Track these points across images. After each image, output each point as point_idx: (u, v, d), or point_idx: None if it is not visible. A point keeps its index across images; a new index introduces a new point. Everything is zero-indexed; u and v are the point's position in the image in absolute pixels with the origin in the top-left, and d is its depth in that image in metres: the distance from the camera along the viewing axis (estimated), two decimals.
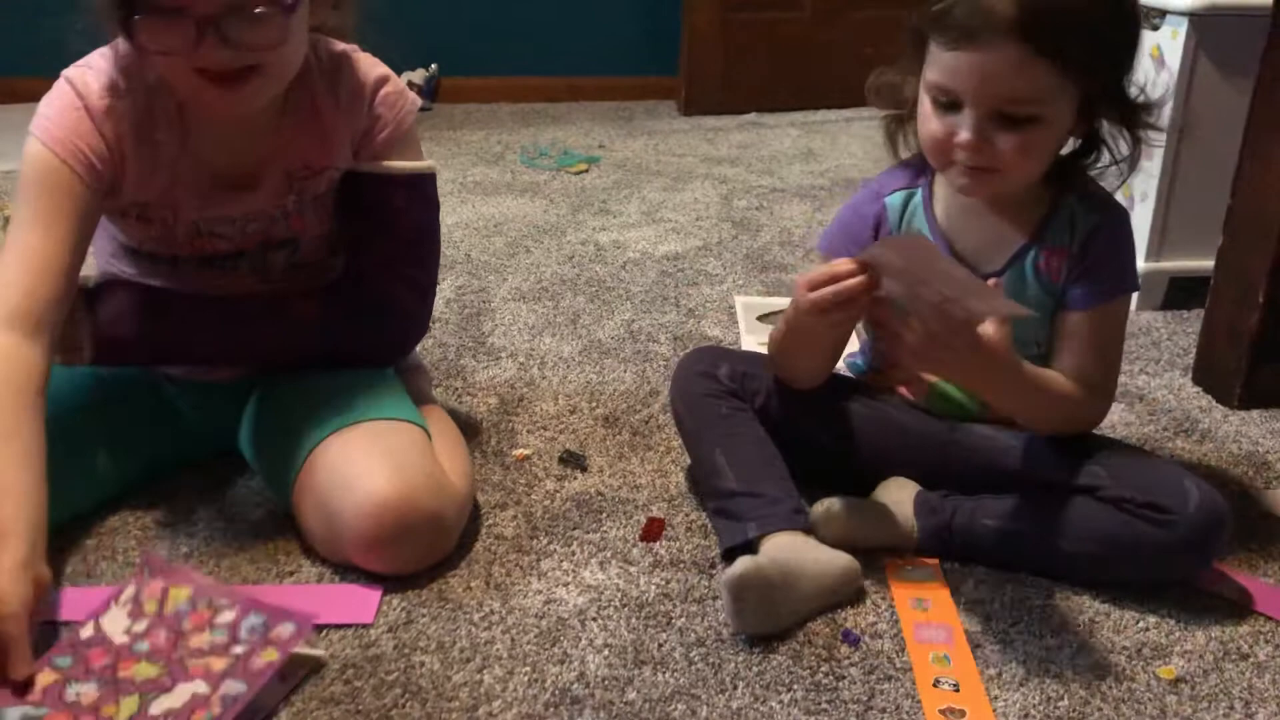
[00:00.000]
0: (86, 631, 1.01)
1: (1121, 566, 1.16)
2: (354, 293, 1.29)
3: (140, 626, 1.01)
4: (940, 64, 1.12)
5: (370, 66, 1.27)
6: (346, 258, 1.32)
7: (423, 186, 1.31)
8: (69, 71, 1.18)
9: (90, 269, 1.24)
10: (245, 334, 1.28)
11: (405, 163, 1.29)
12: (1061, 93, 1.11)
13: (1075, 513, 1.17)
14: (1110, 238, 1.21)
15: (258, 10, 1.07)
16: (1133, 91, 1.16)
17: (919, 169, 1.27)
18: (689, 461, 1.42)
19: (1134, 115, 1.17)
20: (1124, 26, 1.14)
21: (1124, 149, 1.19)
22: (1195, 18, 1.81)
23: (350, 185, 1.28)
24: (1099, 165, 1.21)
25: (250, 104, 1.15)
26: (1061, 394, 1.19)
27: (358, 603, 1.13)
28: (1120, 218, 1.23)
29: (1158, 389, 1.68)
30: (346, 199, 1.29)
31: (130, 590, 1.05)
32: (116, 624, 1.01)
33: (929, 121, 1.16)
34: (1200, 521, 1.12)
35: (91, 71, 1.17)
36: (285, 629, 1.01)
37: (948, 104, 1.13)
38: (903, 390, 1.32)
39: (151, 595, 1.04)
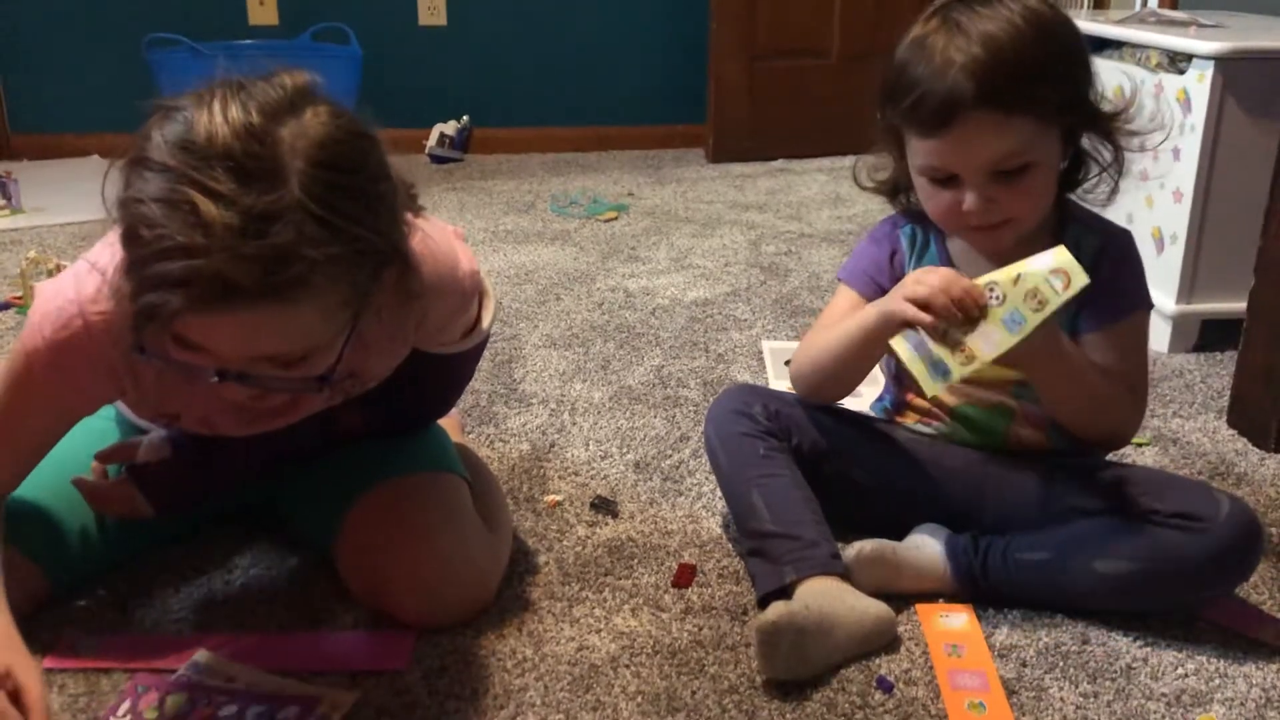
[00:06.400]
0: None
1: (1159, 584, 1.15)
2: (396, 401, 1.27)
3: None
4: (924, 150, 1.17)
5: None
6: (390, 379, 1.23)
7: (477, 347, 1.26)
8: (86, 300, 1.01)
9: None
10: (294, 454, 1.26)
11: (461, 343, 1.22)
12: (1044, 133, 1.15)
13: (1108, 532, 1.17)
14: (1117, 257, 1.24)
15: (297, 359, 0.94)
16: (1101, 103, 1.20)
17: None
18: (720, 507, 1.42)
19: (1108, 124, 1.21)
20: (1072, 51, 1.18)
21: (1107, 156, 1.23)
22: (1221, 61, 1.82)
23: None
24: (1090, 177, 1.24)
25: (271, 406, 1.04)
26: (1102, 382, 1.20)
27: (392, 649, 1.14)
28: (1124, 238, 1.26)
29: (1192, 432, 1.67)
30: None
31: (126, 704, 1.05)
32: None
33: (932, 199, 1.20)
34: (1233, 529, 1.12)
35: (113, 302, 0.96)
36: (289, 712, 1.03)
37: (944, 179, 1.17)
38: (926, 419, 1.33)
39: (149, 704, 1.05)
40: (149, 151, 0.85)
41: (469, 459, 1.39)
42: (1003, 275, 1.11)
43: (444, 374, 1.30)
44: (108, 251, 0.97)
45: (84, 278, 1.02)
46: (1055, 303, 1.08)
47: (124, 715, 1.04)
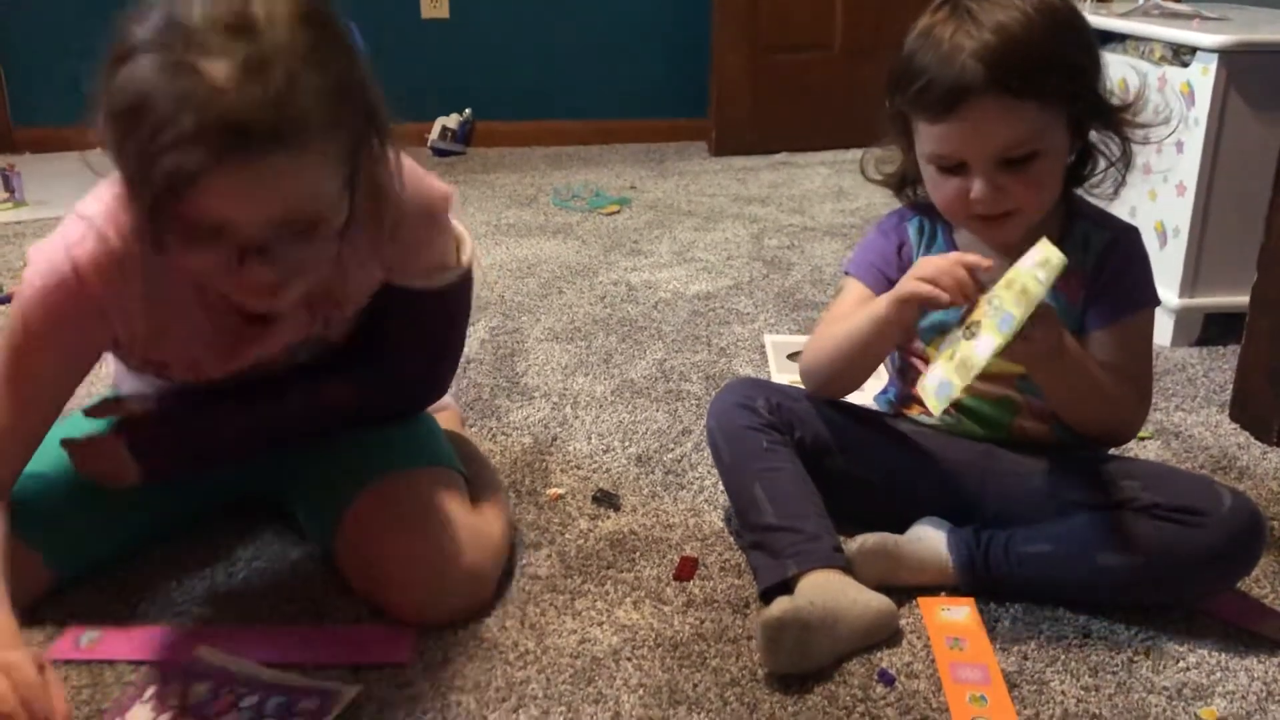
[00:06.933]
0: None
1: (1160, 578, 1.15)
2: (385, 369, 1.27)
3: (165, 717, 1.03)
4: (933, 136, 1.17)
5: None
6: (373, 332, 1.26)
7: (460, 287, 1.25)
8: (75, 246, 1.04)
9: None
10: (284, 429, 1.26)
11: (440, 277, 1.21)
12: (1051, 122, 1.15)
13: (1109, 526, 1.17)
14: (1124, 254, 1.24)
15: (312, 223, 0.97)
16: (1109, 97, 1.20)
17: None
18: (722, 500, 1.42)
19: (1116, 117, 1.21)
20: (1082, 43, 1.18)
21: (1115, 151, 1.23)
22: (1225, 54, 1.82)
23: (384, 292, 1.21)
24: (1098, 171, 1.24)
25: (287, 303, 1.05)
26: (1106, 379, 1.20)
27: (394, 642, 1.14)
28: (1132, 234, 1.26)
29: (1194, 426, 1.67)
30: (379, 300, 1.22)
31: (152, 689, 1.06)
32: (142, 718, 1.03)
33: (939, 188, 1.21)
34: (1235, 523, 1.12)
35: (98, 243, 1.04)
36: (310, 703, 1.03)
37: (952, 167, 1.18)
38: (930, 411, 1.33)
39: (173, 693, 1.06)
40: (133, 41, 0.90)
41: (468, 452, 1.39)
42: (999, 284, 1.12)
43: (426, 322, 1.26)
44: (94, 200, 1.06)
45: (69, 226, 1.06)
46: (1038, 292, 1.07)
47: (149, 700, 1.05)
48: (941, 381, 1.13)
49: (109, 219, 1.05)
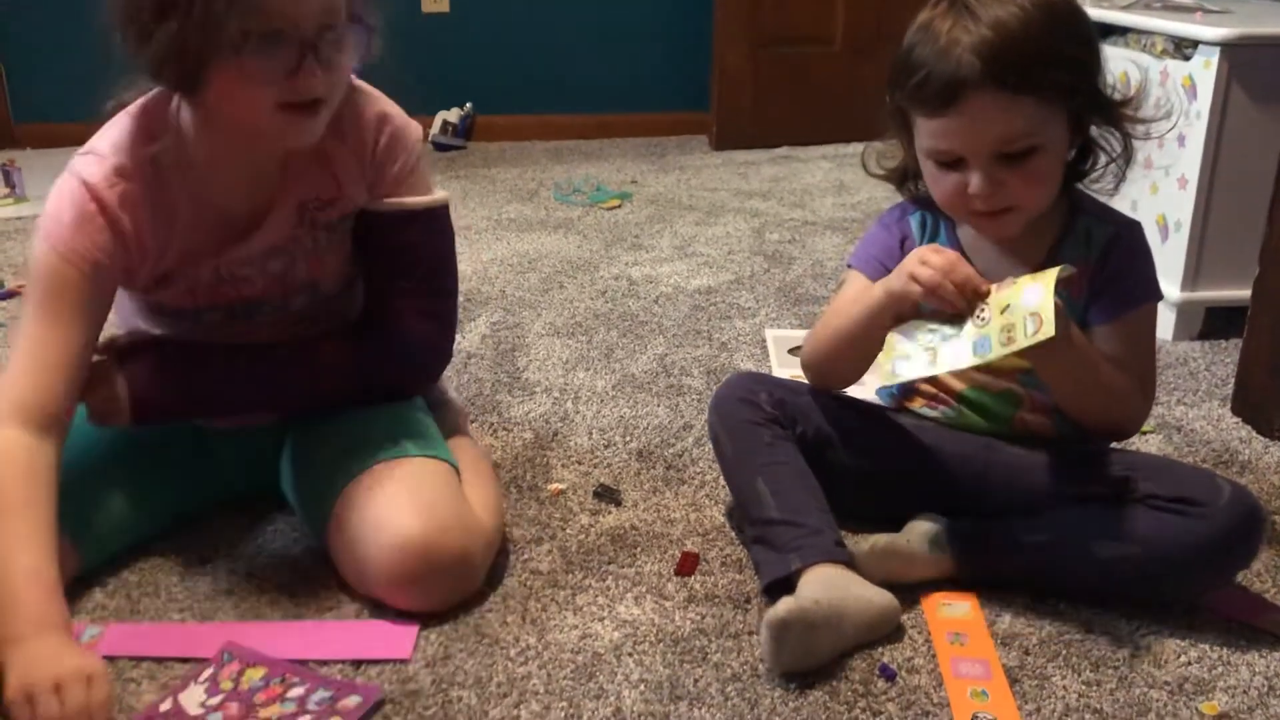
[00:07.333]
0: (165, 705, 1.05)
1: (1158, 568, 1.15)
2: (379, 330, 1.29)
3: (215, 700, 1.05)
4: (930, 131, 1.17)
5: (371, 103, 1.25)
6: (366, 293, 1.32)
7: (438, 219, 1.31)
8: (80, 169, 1.16)
9: (112, 325, 1.26)
10: (279, 382, 1.27)
11: (419, 198, 1.28)
12: (1049, 117, 1.15)
13: (1108, 516, 1.17)
14: (1127, 248, 1.24)
15: (340, 28, 1.11)
16: (1109, 92, 1.20)
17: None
18: (723, 495, 1.42)
19: (1116, 112, 1.21)
20: (1081, 38, 1.18)
21: (1116, 146, 1.22)
22: (1227, 48, 1.81)
23: (366, 223, 1.28)
24: (1098, 167, 1.24)
25: (317, 132, 1.16)
26: (1110, 374, 1.20)
27: (396, 638, 1.14)
28: (1135, 229, 1.26)
29: (1196, 420, 1.67)
30: (363, 237, 1.29)
31: (209, 671, 1.09)
32: (192, 698, 1.05)
33: (938, 183, 1.21)
34: (1234, 514, 1.13)
35: (101, 162, 1.16)
36: (351, 700, 1.05)
37: (950, 162, 1.18)
38: (933, 403, 1.33)
39: (228, 675, 1.08)
40: None
41: (464, 443, 1.39)
42: (995, 300, 1.12)
43: (409, 258, 1.29)
44: (91, 141, 1.19)
45: (74, 163, 1.18)
46: (1020, 344, 1.08)
47: (204, 681, 1.07)
48: (901, 359, 1.14)
49: (109, 145, 1.17)
